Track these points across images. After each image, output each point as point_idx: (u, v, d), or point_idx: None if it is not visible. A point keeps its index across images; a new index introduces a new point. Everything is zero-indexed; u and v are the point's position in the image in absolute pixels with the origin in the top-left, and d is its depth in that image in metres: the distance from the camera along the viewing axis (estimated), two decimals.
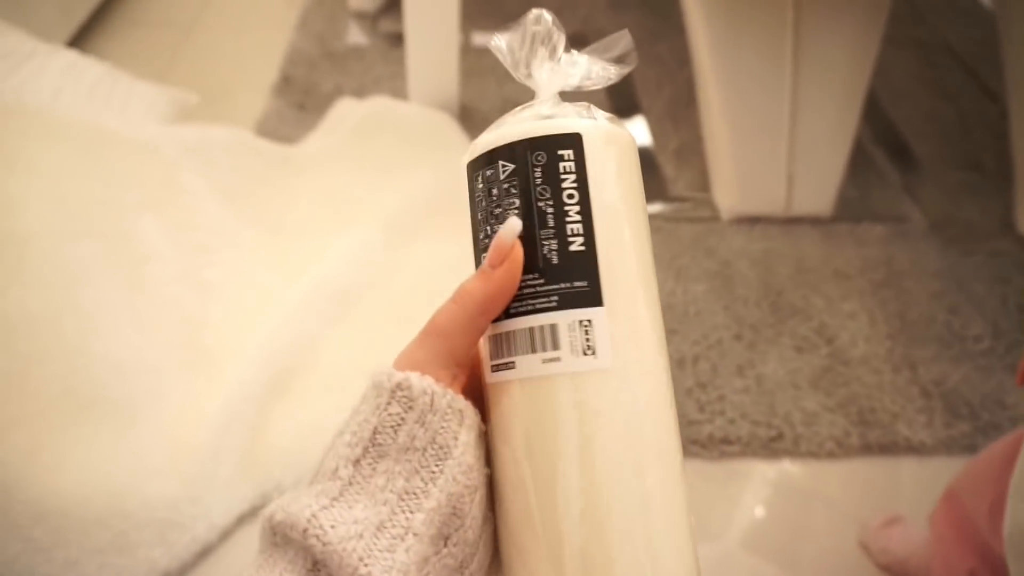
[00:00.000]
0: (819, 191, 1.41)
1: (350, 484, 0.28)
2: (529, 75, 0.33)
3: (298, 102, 1.59)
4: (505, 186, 0.30)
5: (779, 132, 1.37)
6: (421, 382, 0.28)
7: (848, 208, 1.46)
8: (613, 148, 0.31)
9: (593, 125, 0.31)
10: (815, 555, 0.95)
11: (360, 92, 1.60)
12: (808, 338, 1.21)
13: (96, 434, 0.84)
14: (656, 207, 1.45)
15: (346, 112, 1.45)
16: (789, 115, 1.36)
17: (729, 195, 1.42)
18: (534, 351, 0.29)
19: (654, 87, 1.74)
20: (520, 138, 0.30)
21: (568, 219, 0.30)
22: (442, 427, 0.29)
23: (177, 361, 0.95)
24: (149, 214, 1.07)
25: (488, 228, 0.31)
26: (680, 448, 0.31)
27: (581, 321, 0.29)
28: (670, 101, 1.70)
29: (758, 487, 1.02)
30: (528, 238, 0.30)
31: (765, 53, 1.33)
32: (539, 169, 0.30)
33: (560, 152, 0.30)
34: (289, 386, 0.99)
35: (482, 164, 0.31)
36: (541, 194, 0.30)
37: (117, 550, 0.80)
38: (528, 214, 0.30)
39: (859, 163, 1.53)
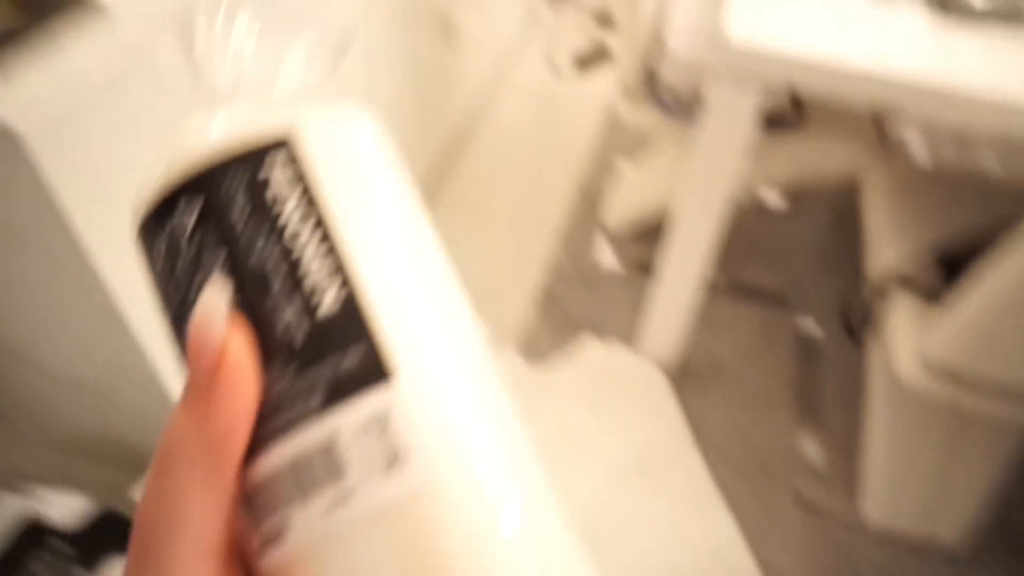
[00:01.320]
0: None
1: None
2: (215, 79, 0.22)
3: (554, 322, 1.90)
4: (197, 237, 0.19)
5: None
6: None
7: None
8: (349, 134, 0.22)
9: (307, 110, 0.22)
10: None
11: (602, 321, 1.88)
12: None
13: None
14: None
15: (584, 352, 1.87)
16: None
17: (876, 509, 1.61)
18: (308, 498, 0.18)
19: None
20: (200, 158, 0.20)
21: (304, 265, 0.19)
22: None
23: None
24: None
25: (185, 313, 0.19)
26: (585, 559, 0.22)
27: (369, 418, 0.18)
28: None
29: None
30: (253, 312, 0.19)
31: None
32: (241, 198, 0.19)
33: (265, 164, 0.20)
34: None
35: (162, 214, 0.20)
36: (251, 238, 0.19)
37: None
38: (240, 274, 0.19)
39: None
